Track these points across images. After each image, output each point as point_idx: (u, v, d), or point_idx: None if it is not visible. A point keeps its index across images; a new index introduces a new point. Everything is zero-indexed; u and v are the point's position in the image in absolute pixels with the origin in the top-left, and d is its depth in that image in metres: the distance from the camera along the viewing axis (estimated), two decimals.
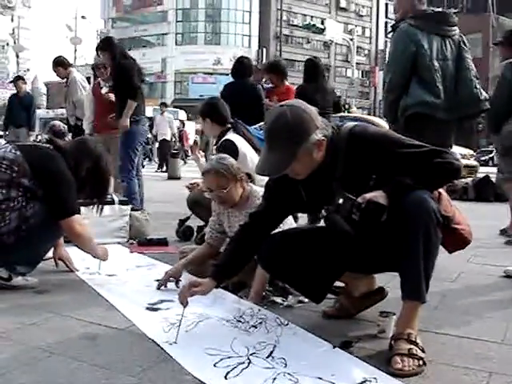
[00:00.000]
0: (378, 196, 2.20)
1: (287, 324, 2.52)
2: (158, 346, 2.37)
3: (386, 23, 56.64)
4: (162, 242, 4.64)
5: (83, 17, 47.29)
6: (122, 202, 4.83)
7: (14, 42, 61.33)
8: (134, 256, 4.25)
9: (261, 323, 2.54)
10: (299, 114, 2.25)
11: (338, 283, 2.83)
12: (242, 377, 2.06)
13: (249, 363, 2.16)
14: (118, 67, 5.86)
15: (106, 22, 63.00)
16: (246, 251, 2.63)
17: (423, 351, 2.21)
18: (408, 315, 2.28)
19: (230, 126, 4.16)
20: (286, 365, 2.16)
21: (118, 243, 4.70)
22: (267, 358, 2.22)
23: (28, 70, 64.50)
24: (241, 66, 6.12)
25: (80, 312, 2.82)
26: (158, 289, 3.22)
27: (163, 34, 58.11)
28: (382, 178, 2.27)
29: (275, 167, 2.27)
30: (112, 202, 4.74)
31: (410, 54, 4.01)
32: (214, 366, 2.15)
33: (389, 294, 2.80)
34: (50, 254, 3.64)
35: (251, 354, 2.24)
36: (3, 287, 3.16)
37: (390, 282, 2.89)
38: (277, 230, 2.67)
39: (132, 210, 4.94)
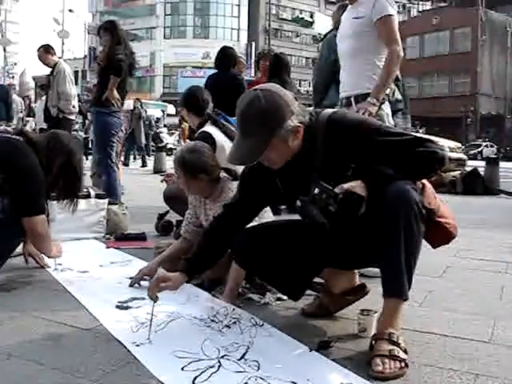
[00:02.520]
0: (355, 186, 2.06)
1: (262, 324, 2.37)
2: (125, 347, 2.22)
3: None
4: (140, 237, 4.49)
5: (70, 10, 46.72)
6: (98, 196, 4.65)
7: (2, 36, 60.71)
8: (109, 252, 4.10)
9: (235, 323, 2.39)
10: (273, 98, 2.10)
11: (318, 280, 2.70)
12: (211, 382, 1.92)
13: (219, 367, 2.02)
14: (112, 50, 5.66)
15: (93, 15, 62.44)
16: (220, 244, 2.49)
17: (405, 352, 2.07)
18: (389, 313, 2.14)
19: (207, 117, 4.00)
20: (258, 368, 2.01)
21: (95, 238, 4.54)
22: (239, 360, 2.08)
23: (16, 63, 63.84)
24: (224, 57, 5.96)
25: (47, 311, 2.66)
26: (131, 286, 3.08)
27: (152, 28, 57.77)
28: (360, 168, 2.13)
29: (247, 155, 2.13)
30: (88, 196, 4.57)
31: (330, 62, 4.84)
32: (182, 369, 2.00)
33: (371, 290, 2.66)
34: (20, 249, 3.48)
35: (222, 357, 2.09)
36: None
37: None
38: (253, 224, 2.53)
39: (109, 203, 4.77)
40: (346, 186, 2.05)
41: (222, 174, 3.10)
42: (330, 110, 2.27)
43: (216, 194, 3.06)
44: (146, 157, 17.31)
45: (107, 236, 4.59)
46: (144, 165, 16.24)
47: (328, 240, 2.35)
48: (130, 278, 3.13)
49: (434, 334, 2.44)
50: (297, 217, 2.29)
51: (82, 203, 4.49)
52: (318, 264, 2.48)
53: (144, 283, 3.06)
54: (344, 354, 2.20)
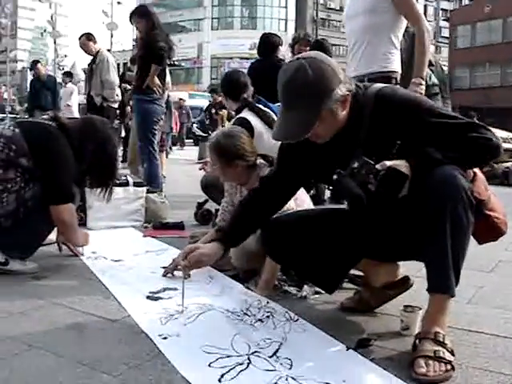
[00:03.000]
0: (400, 165, 1.89)
1: (297, 320, 2.23)
2: (151, 340, 2.11)
3: (426, 6, 55.28)
4: (178, 226, 4.39)
5: (119, 2, 47.19)
6: (136, 184, 4.58)
7: (52, 29, 61.83)
8: (145, 240, 4.01)
9: (268, 317, 2.26)
10: (320, 66, 1.93)
11: (358, 272, 2.54)
12: (238, 380, 1.78)
13: (248, 364, 1.88)
14: (150, 36, 5.56)
15: None
16: (255, 217, 2.35)
17: (452, 354, 1.90)
18: (435, 311, 1.96)
19: (244, 103, 3.86)
20: (291, 366, 1.87)
21: (133, 227, 4.47)
22: (271, 357, 1.94)
23: (66, 56, 64.90)
24: (263, 44, 5.80)
25: (74, 300, 2.58)
26: (164, 276, 2.97)
27: (199, 20, 57.82)
28: (407, 147, 1.95)
29: (296, 131, 1.95)
30: (126, 184, 4.50)
31: None
32: (209, 365, 1.88)
33: (416, 285, 2.48)
34: (54, 237, 3.41)
35: (252, 353, 1.96)
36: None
37: (419, 270, 2.58)
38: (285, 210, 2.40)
39: (148, 192, 4.70)
40: (388, 162, 1.89)
41: (260, 161, 2.96)
42: (379, 85, 2.10)
43: (252, 181, 2.91)
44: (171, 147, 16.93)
45: (145, 225, 4.51)
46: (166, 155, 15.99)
47: (365, 227, 2.19)
48: (164, 268, 3.03)
49: (483, 334, 2.25)
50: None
51: (120, 191, 4.43)
52: (354, 254, 2.32)
53: (177, 273, 2.96)
54: (384, 353, 2.04)
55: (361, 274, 2.56)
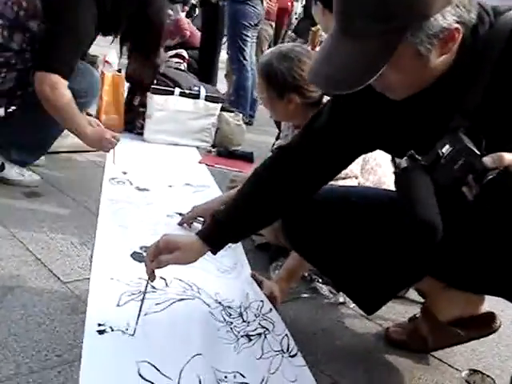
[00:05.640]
0: None
1: (295, 354, 1.46)
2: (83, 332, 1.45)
3: None
4: (247, 157, 3.64)
5: None
6: (210, 98, 3.84)
7: None
8: (196, 168, 3.31)
9: (260, 335, 1.52)
10: None
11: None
12: None
13: None
14: None
15: None
16: (269, 206, 1.52)
17: None
18: None
19: None
20: None
21: (197, 147, 3.79)
22: None
23: None
24: None
25: (48, 246, 1.97)
26: (180, 225, 2.30)
27: None
28: None
29: (351, 73, 1.09)
30: (197, 96, 3.79)
31: None
32: None
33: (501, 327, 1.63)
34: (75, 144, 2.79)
35: None
36: None
37: (503, 310, 1.73)
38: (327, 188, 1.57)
39: (223, 109, 3.95)
40: (508, 157, 0.99)
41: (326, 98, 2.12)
42: None
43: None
44: None
45: (209, 148, 3.81)
46: None
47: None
48: (181, 216, 2.35)
49: None
50: None
51: (188, 104, 3.76)
52: (415, 267, 1.49)
53: (197, 225, 2.27)
54: None
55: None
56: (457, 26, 1.06)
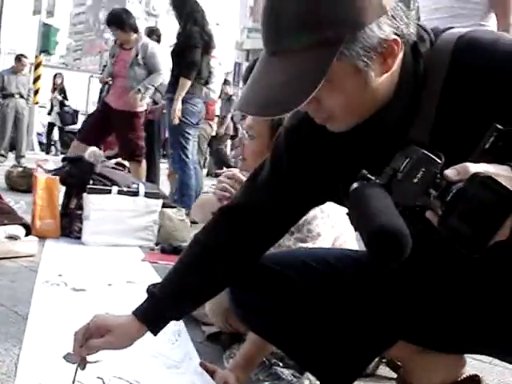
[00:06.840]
0: (499, 175, 0.83)
1: None
2: None
3: None
4: None
5: (217, 24, 47.62)
6: (149, 195, 3.69)
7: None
8: (138, 267, 3.10)
9: None
10: None
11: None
12: None
13: None
14: (184, 32, 4.72)
15: (241, 31, 63.22)
16: (212, 275, 1.32)
17: None
18: None
19: None
20: None
21: (140, 247, 3.59)
22: None
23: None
24: None
25: None
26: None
27: None
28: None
29: (283, 94, 0.95)
30: (136, 194, 3.63)
31: None
32: None
33: None
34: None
35: None
36: None
37: (481, 371, 1.55)
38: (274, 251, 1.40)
39: (165, 206, 3.81)
40: (474, 167, 0.84)
41: None
42: (460, 30, 1.07)
43: None
44: None
45: (152, 246, 3.61)
46: None
47: (409, 288, 1.21)
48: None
49: None
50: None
51: (128, 202, 3.59)
52: (386, 333, 1.31)
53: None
54: None
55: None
56: (395, 37, 0.96)
